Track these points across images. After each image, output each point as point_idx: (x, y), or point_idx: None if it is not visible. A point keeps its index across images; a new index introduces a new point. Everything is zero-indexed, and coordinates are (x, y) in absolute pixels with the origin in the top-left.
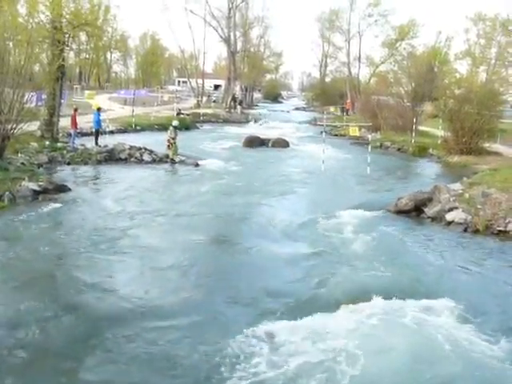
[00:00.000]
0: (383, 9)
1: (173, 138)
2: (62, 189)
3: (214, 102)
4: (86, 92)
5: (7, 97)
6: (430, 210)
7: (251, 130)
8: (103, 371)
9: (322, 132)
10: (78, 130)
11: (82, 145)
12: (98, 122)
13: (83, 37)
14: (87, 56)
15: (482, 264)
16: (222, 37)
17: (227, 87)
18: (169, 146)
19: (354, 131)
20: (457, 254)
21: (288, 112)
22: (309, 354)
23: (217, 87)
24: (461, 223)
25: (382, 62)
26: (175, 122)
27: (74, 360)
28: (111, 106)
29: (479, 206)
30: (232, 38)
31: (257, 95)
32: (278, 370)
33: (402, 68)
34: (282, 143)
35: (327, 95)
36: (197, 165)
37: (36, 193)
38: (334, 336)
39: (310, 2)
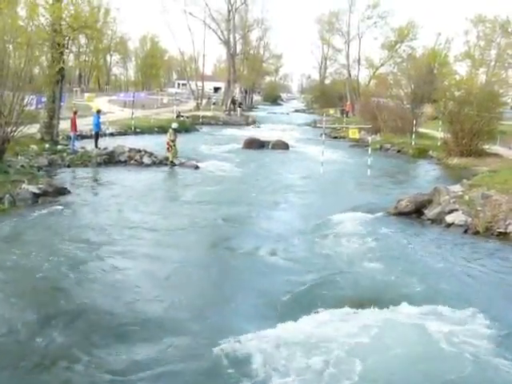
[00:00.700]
0: (382, 11)
1: (172, 141)
2: (61, 191)
3: (214, 104)
4: (86, 94)
5: (7, 99)
6: (430, 212)
7: (251, 132)
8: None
9: (321, 134)
10: (78, 133)
11: (82, 147)
12: (98, 125)
13: (83, 39)
14: (87, 58)
15: (483, 266)
16: (221, 39)
17: (227, 89)
18: (168, 148)
19: (353, 133)
20: (457, 255)
21: (287, 114)
22: (309, 357)
23: (216, 89)
24: (461, 225)
25: (382, 64)
26: (175, 125)
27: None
28: (111, 109)
29: (479, 208)
30: (231, 40)
31: (256, 97)
32: (279, 373)
33: (401, 70)
34: (282, 145)
35: (327, 97)
36: (196, 167)
37: (36, 195)
38: (335, 339)
39: (310, 4)
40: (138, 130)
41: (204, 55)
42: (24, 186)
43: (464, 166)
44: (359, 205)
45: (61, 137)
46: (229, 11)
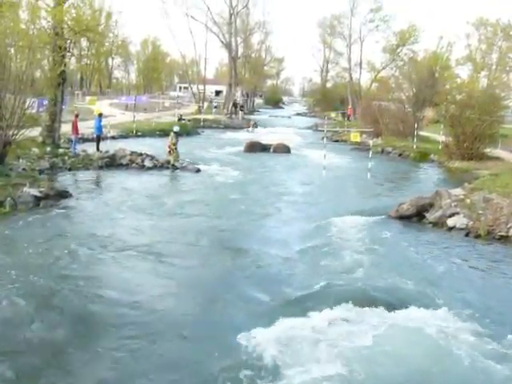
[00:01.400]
0: (384, 14)
1: (174, 144)
2: (63, 195)
3: (215, 107)
4: (87, 98)
5: (9, 103)
6: (431, 216)
7: (252, 135)
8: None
9: (323, 138)
10: (79, 136)
11: (84, 150)
12: (99, 128)
13: (84, 42)
14: (88, 62)
15: (485, 269)
16: (223, 42)
17: (228, 93)
18: (170, 151)
19: (355, 137)
20: (459, 259)
21: (289, 117)
22: (311, 359)
23: (218, 93)
24: (462, 228)
25: (383, 68)
26: (176, 128)
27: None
28: (112, 112)
29: (480, 212)
30: (233, 43)
31: (258, 101)
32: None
33: (403, 73)
34: (283, 149)
35: (328, 101)
36: (198, 170)
37: (37, 199)
38: (336, 342)
39: (311, 8)
40: (139, 134)
41: (205, 58)
42: (25, 189)
43: (465, 170)
44: (361, 208)
45: (62, 140)
46: (230, 14)
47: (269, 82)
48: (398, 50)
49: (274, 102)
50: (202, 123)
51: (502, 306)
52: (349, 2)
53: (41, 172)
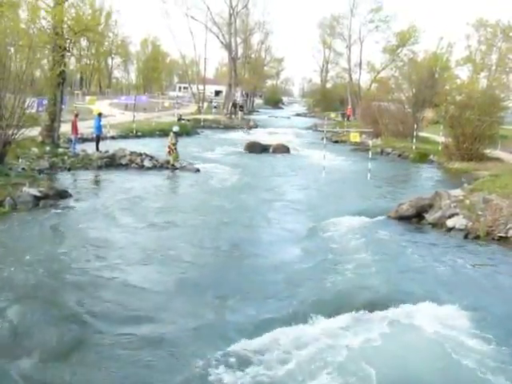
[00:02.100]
0: (384, 15)
1: (173, 144)
2: (62, 195)
3: (215, 107)
4: (87, 98)
5: (8, 102)
6: (430, 216)
7: (252, 135)
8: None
9: (322, 138)
10: (79, 136)
11: (83, 150)
12: (99, 128)
13: (84, 42)
14: (88, 61)
15: (484, 270)
16: (222, 43)
17: (228, 93)
18: (169, 151)
19: (354, 137)
20: (458, 260)
21: (289, 118)
22: (313, 360)
23: (218, 93)
24: (461, 229)
25: (383, 68)
26: (176, 128)
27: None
28: (112, 112)
29: (480, 212)
30: (233, 43)
31: (258, 101)
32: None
33: (402, 74)
34: (283, 149)
35: (328, 101)
36: (197, 171)
37: (37, 198)
38: (337, 342)
39: (311, 8)
40: (139, 134)
41: (205, 59)
42: (25, 188)
43: (465, 171)
44: (360, 209)
45: (62, 140)
46: (230, 15)
47: (268, 83)
48: (398, 51)
49: (274, 102)
50: (201, 123)
51: (502, 306)
52: (349, 3)
53: (40, 172)
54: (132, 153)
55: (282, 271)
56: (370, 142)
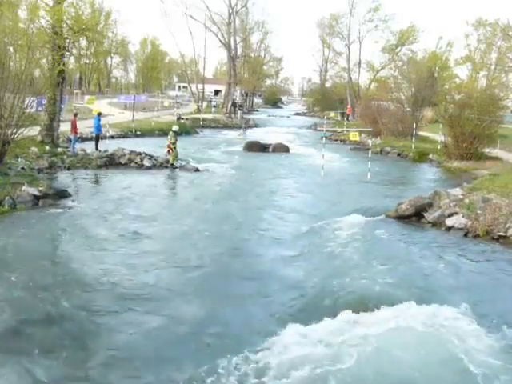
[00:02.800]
0: (383, 14)
1: (173, 143)
2: (62, 194)
3: (214, 107)
4: (86, 97)
5: (8, 102)
6: (430, 216)
7: (250, 136)
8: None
9: (322, 137)
10: (78, 135)
11: (82, 150)
12: (98, 127)
13: (83, 42)
14: (87, 61)
15: (483, 269)
16: (222, 42)
17: (227, 92)
18: (169, 151)
19: (354, 136)
20: (457, 259)
21: (288, 117)
22: (314, 360)
23: (217, 92)
24: (461, 228)
25: (382, 68)
26: (175, 127)
27: None
28: (111, 111)
29: (479, 212)
30: (232, 43)
31: (257, 100)
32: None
33: (402, 73)
34: (283, 148)
35: (327, 100)
36: (197, 170)
37: (36, 198)
38: (337, 343)
39: (311, 7)
40: (138, 133)
41: (204, 58)
42: (24, 188)
43: (464, 170)
44: (359, 208)
45: (61, 139)
46: (229, 14)
47: (268, 82)
48: (397, 50)
49: (273, 101)
50: (201, 122)
51: (502, 305)
52: (348, 2)
53: (40, 171)
54: (131, 152)
55: (281, 271)
56: (370, 142)
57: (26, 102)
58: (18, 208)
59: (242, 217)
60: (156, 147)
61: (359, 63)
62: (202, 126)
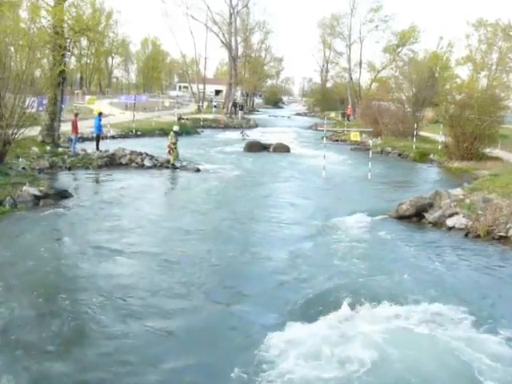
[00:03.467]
0: (384, 14)
1: (174, 143)
2: (62, 194)
3: (215, 107)
4: (87, 97)
5: (8, 102)
6: (430, 216)
7: (250, 137)
8: None
9: (322, 137)
10: (79, 135)
11: (83, 150)
12: (99, 127)
13: (84, 42)
14: (88, 61)
15: (484, 270)
16: (223, 42)
17: (228, 92)
18: (170, 151)
19: (355, 136)
20: (458, 259)
21: (289, 117)
22: (313, 358)
23: (218, 92)
24: (462, 228)
25: (383, 68)
26: (176, 128)
27: None
28: (112, 111)
29: (480, 212)
30: (233, 43)
31: (258, 100)
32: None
33: (403, 73)
34: (283, 148)
35: (328, 101)
36: (198, 170)
37: (37, 198)
38: (336, 343)
39: (312, 8)
40: (139, 133)
41: (205, 58)
42: (25, 188)
43: (465, 170)
44: (360, 208)
45: (62, 139)
46: (230, 14)
47: (269, 82)
48: (398, 50)
49: (274, 101)
50: (201, 123)
51: (503, 305)
52: (349, 2)
53: (40, 171)
54: (132, 152)
55: (280, 271)
56: (371, 142)
57: (26, 102)
58: (18, 208)
59: (243, 218)
60: (156, 147)
61: (360, 63)
62: (203, 126)
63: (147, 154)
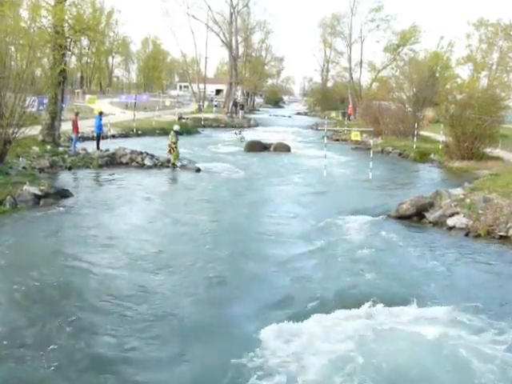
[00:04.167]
0: (385, 14)
1: (174, 143)
2: (63, 193)
3: (216, 106)
4: (88, 96)
5: (9, 101)
6: (431, 215)
7: (253, 134)
8: None
9: (323, 137)
10: (80, 135)
11: (84, 149)
12: (100, 127)
13: (85, 41)
14: (89, 60)
15: (484, 269)
16: (223, 41)
17: (229, 92)
18: (170, 150)
19: (355, 135)
20: (458, 259)
21: (289, 117)
22: (310, 358)
23: (218, 92)
24: (462, 228)
25: (384, 68)
26: (176, 127)
27: None
28: (112, 111)
29: (480, 211)
30: (233, 42)
31: (258, 100)
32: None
33: (403, 73)
34: (284, 148)
35: (328, 100)
36: (198, 170)
37: (37, 197)
38: (335, 342)
39: (312, 7)
40: (139, 132)
41: (206, 57)
42: (25, 187)
43: (465, 170)
44: (361, 208)
45: (62, 138)
46: (231, 14)
47: (269, 82)
48: (399, 50)
49: (274, 101)
50: (202, 122)
51: (503, 305)
52: (349, 2)
53: (41, 171)
54: (132, 151)
55: (280, 270)
56: (371, 141)
57: (27, 102)
58: (19, 207)
59: (245, 216)
60: (157, 147)
61: (360, 63)
62: (204, 126)
63: (148, 154)
